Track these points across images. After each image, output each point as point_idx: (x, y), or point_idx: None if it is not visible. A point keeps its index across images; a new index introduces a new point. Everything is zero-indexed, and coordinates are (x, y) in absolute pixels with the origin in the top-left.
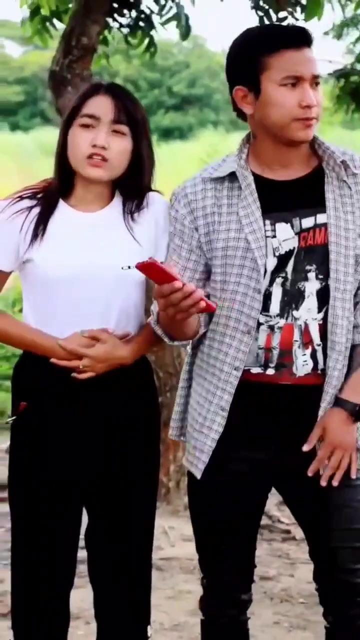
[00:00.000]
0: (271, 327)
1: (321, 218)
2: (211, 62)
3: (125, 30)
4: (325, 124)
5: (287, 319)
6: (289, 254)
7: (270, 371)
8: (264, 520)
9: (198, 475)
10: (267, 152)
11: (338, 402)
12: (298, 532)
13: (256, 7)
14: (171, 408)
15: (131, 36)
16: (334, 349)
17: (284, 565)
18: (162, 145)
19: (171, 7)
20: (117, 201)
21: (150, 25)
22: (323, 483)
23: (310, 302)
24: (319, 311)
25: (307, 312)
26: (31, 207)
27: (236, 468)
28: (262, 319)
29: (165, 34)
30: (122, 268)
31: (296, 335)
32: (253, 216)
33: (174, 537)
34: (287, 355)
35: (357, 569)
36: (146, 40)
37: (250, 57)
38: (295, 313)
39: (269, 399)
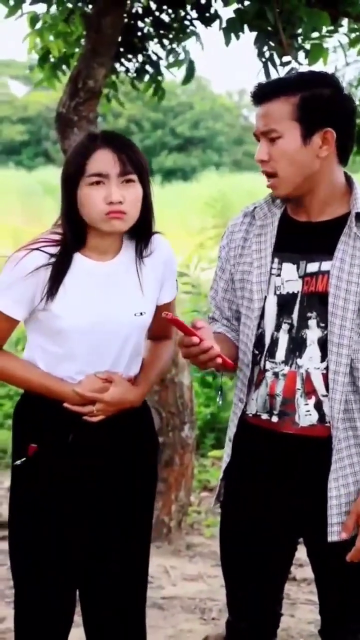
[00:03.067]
0: (276, 374)
1: (326, 265)
2: (214, 103)
3: (132, 75)
4: None
5: (291, 366)
6: (292, 297)
7: (274, 418)
8: None
9: (212, 503)
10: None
11: None
12: (298, 573)
13: (260, 53)
14: (174, 448)
15: (138, 80)
16: (329, 402)
17: (285, 605)
18: (165, 186)
19: (179, 53)
20: (128, 245)
21: (157, 70)
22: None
23: (312, 350)
24: (322, 360)
25: (309, 361)
26: (48, 262)
27: (243, 505)
28: (268, 365)
29: (169, 74)
30: (135, 314)
31: (298, 384)
32: (264, 252)
33: (175, 576)
34: (289, 403)
35: None
36: (153, 85)
37: None
38: (299, 361)
39: (271, 446)
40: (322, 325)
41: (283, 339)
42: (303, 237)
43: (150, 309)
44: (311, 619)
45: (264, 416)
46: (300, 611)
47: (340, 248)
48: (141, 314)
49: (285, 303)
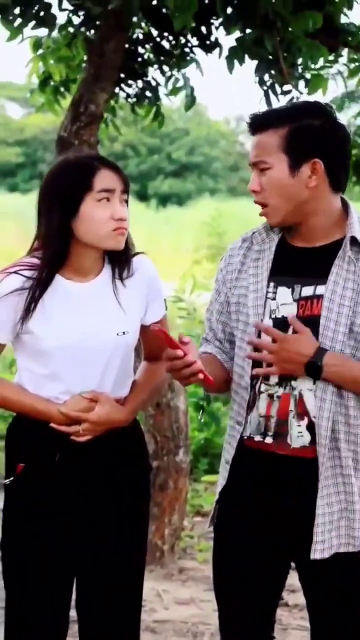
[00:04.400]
0: (270, 396)
1: (320, 289)
2: (211, 130)
3: (132, 100)
4: None
5: (285, 388)
6: (287, 321)
7: (269, 439)
8: None
9: (205, 528)
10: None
11: None
12: (290, 598)
13: (261, 81)
14: (168, 472)
15: (137, 105)
16: (317, 422)
17: (277, 630)
18: (160, 211)
19: (178, 80)
20: (107, 267)
21: (156, 95)
22: None
23: None
24: (314, 382)
25: (302, 382)
26: (24, 286)
27: (237, 528)
28: (262, 388)
29: (165, 100)
30: (118, 334)
31: (291, 405)
32: (260, 276)
33: (167, 600)
34: (283, 424)
35: None
36: (153, 110)
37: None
38: (293, 383)
39: (266, 468)
40: None
41: None
42: (299, 261)
43: (133, 329)
44: None
45: (258, 438)
46: (292, 637)
47: (334, 272)
48: (124, 333)
49: (280, 327)
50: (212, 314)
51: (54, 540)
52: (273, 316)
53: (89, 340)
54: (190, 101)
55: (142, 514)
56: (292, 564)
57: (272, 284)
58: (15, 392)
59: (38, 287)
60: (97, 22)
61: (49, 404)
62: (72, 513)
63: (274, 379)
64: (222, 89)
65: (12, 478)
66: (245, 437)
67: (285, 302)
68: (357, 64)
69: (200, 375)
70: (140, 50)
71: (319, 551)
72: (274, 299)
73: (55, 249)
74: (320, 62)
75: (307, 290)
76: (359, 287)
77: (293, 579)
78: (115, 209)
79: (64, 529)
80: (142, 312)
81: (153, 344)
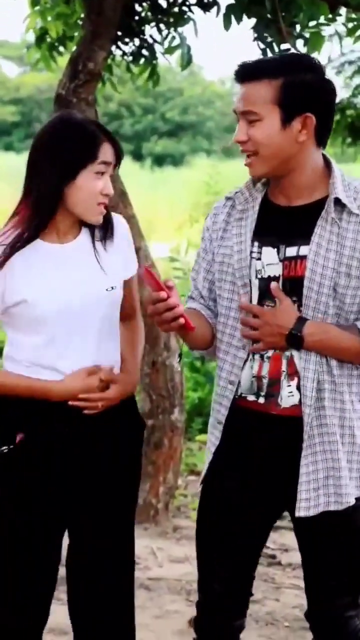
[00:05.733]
0: (261, 356)
1: (304, 250)
2: (205, 90)
3: (128, 58)
4: None
5: (276, 349)
6: (274, 280)
7: (261, 399)
8: None
9: (198, 485)
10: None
11: None
12: (283, 557)
13: (259, 38)
14: (163, 431)
15: (133, 64)
16: (303, 382)
17: (270, 589)
18: (156, 171)
19: (174, 37)
20: (85, 229)
21: (152, 54)
22: None
23: None
24: None
25: None
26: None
27: (228, 485)
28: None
29: (161, 59)
30: (107, 289)
31: (283, 365)
32: (244, 236)
33: (162, 557)
34: (275, 384)
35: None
36: (148, 69)
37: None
38: None
39: (259, 427)
40: (302, 308)
41: None
42: (282, 220)
43: (119, 284)
44: (296, 604)
45: (251, 397)
46: (285, 596)
47: (317, 232)
48: (112, 288)
49: (267, 287)
50: (197, 273)
51: (45, 496)
52: (259, 276)
53: (82, 299)
54: (187, 60)
55: (135, 472)
56: (284, 523)
57: (256, 244)
58: (8, 377)
59: (15, 247)
60: None
61: (46, 383)
62: (65, 471)
63: None
64: (217, 50)
65: (10, 446)
66: (237, 397)
67: (271, 262)
68: (355, 23)
69: (181, 320)
70: (138, 8)
71: (304, 509)
72: (259, 259)
73: (45, 213)
74: (321, 19)
75: (291, 251)
76: (342, 249)
77: (286, 538)
78: (107, 184)
79: (55, 486)
80: (123, 269)
81: (126, 301)
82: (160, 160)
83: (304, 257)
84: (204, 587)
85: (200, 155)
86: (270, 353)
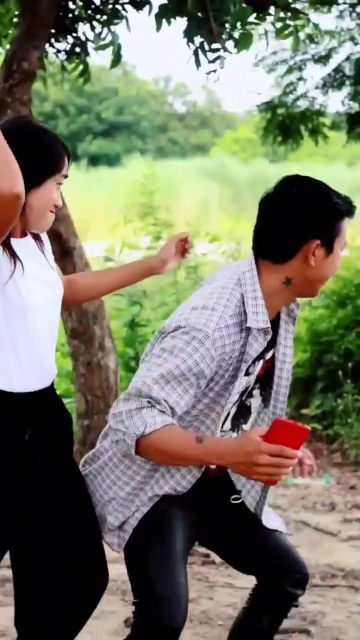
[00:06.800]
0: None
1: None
2: (140, 89)
3: (62, 56)
4: (250, 154)
5: (237, 432)
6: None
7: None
8: None
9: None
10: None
11: None
12: (217, 557)
13: (189, 39)
14: (98, 431)
15: (67, 62)
16: None
17: (204, 588)
18: (91, 171)
19: (107, 35)
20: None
21: (85, 51)
22: None
23: (254, 416)
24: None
25: (252, 426)
26: None
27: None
28: (218, 435)
29: (95, 60)
30: (59, 282)
31: None
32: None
33: None
34: None
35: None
36: (80, 67)
37: (329, 218)
38: (244, 427)
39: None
40: (263, 393)
41: (232, 410)
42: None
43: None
44: (229, 602)
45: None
46: (219, 594)
47: (281, 333)
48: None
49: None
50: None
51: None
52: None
53: (54, 294)
54: (117, 57)
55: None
56: None
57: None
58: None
59: None
60: None
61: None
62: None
63: (227, 426)
64: (150, 49)
65: None
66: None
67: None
68: (283, 23)
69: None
70: (72, 6)
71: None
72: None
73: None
74: (251, 19)
75: (268, 354)
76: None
77: None
78: (58, 196)
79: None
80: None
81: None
82: (95, 160)
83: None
84: (166, 589)
85: (135, 155)
86: (234, 436)
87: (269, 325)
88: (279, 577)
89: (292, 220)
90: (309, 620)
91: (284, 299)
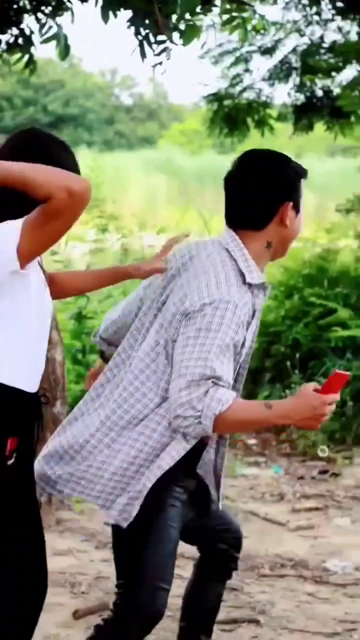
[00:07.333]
0: None
1: None
2: (87, 82)
3: (3, 48)
4: (197, 146)
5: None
6: None
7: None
8: None
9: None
10: (266, 262)
11: None
12: None
13: (136, 31)
14: (46, 423)
15: (9, 54)
16: None
17: None
18: None
19: (51, 27)
20: None
21: (29, 43)
22: None
23: None
24: None
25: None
26: None
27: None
28: None
29: (41, 52)
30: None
31: None
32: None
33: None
34: None
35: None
36: (25, 57)
37: (296, 180)
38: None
39: None
40: None
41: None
42: None
43: None
44: (179, 593)
45: None
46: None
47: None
48: None
49: None
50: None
51: None
52: None
53: (47, 290)
54: (64, 50)
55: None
56: None
57: None
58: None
59: None
60: None
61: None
62: None
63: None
64: (97, 42)
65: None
66: None
67: None
68: (230, 14)
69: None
70: None
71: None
72: None
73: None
74: (197, 10)
75: None
76: None
77: None
78: None
79: None
80: None
81: None
82: None
83: None
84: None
85: (82, 147)
86: None
87: (264, 279)
88: (216, 538)
89: (266, 188)
90: (258, 610)
91: (266, 262)
